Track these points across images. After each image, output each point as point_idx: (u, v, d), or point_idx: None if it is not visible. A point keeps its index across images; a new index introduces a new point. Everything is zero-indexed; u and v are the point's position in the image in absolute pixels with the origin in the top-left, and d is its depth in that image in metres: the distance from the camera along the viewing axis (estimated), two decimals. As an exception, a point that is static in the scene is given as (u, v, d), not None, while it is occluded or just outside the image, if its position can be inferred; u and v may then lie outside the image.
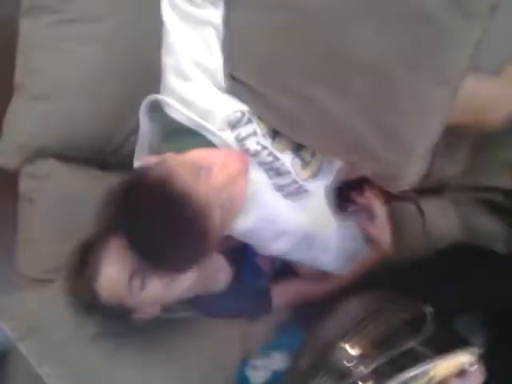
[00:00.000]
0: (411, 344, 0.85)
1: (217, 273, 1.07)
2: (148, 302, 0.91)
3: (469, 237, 1.18)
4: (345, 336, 0.88)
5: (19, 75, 1.11)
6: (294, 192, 0.96)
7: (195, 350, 1.04)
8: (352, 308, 0.95)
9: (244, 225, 0.92)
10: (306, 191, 0.97)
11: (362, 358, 0.85)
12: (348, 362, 0.85)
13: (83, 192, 1.07)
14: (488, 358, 0.89)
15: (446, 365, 0.84)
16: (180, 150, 0.88)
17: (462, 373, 0.85)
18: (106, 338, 0.97)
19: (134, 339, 0.99)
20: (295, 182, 0.95)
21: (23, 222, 1.11)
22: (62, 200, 1.08)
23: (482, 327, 1.12)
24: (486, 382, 0.86)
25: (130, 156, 1.01)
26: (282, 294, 1.14)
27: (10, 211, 1.14)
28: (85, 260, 0.90)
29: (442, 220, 1.18)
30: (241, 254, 1.11)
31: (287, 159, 0.94)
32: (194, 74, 0.91)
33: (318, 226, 0.98)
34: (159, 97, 0.93)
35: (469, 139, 1.14)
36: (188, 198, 0.77)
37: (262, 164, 0.93)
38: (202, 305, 1.06)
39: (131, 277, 0.86)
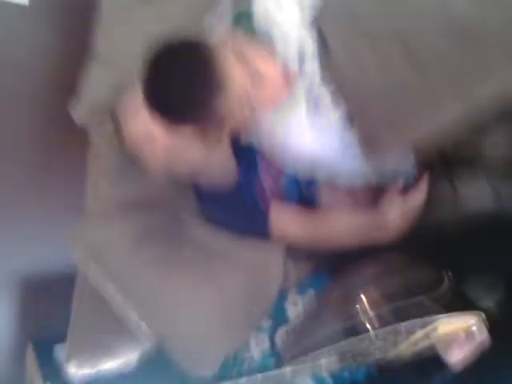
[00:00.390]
0: (421, 298, 0.98)
1: (222, 163, 1.16)
2: (159, 160, 1.07)
3: (502, 213, 1.14)
4: (364, 288, 1.04)
5: (98, 45, 1.27)
6: (318, 125, 1.06)
7: (238, 278, 1.18)
8: (373, 266, 1.09)
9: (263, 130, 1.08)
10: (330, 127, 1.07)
11: (374, 307, 1.01)
12: (363, 310, 1.01)
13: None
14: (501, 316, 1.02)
15: (450, 322, 0.96)
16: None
17: (468, 334, 0.96)
18: (158, 264, 1.17)
19: (182, 266, 1.17)
20: (327, 116, 1.05)
21: (92, 168, 1.33)
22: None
23: (498, 288, 1.13)
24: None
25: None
26: (281, 219, 1.17)
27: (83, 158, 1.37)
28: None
29: (476, 197, 1.15)
30: (248, 161, 1.19)
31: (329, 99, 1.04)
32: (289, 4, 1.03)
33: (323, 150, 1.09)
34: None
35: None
36: (222, 73, 0.90)
37: (308, 90, 1.04)
38: (203, 202, 1.21)
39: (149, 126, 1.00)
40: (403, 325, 0.96)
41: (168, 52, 0.91)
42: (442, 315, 0.96)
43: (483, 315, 0.99)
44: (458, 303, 1.01)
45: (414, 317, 0.95)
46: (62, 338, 1.48)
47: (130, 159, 1.17)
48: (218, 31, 1.06)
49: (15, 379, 1.76)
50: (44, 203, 1.81)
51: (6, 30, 1.64)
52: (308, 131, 1.06)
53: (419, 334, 0.98)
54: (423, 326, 0.97)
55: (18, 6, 1.62)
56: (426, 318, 0.95)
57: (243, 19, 1.08)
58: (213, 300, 1.15)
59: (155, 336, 1.19)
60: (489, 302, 1.08)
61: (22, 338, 1.96)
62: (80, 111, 1.26)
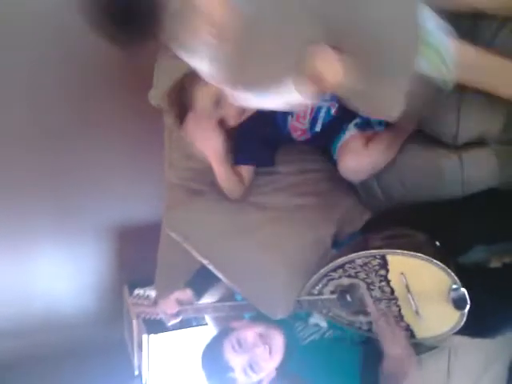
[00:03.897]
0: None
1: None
2: None
3: (505, 184, 1.23)
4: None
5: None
6: None
7: (297, 236, 1.31)
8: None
9: None
10: None
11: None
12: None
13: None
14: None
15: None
16: None
17: None
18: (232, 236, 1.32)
19: (250, 229, 1.31)
20: None
21: (167, 143, 1.57)
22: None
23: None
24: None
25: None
26: None
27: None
28: None
29: (481, 170, 1.23)
30: None
31: None
32: None
33: None
34: None
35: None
36: None
37: None
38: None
39: None
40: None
41: None
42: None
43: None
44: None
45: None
46: (152, 281, 1.69)
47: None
48: None
49: (115, 314, 2.05)
50: (136, 165, 2.10)
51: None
52: None
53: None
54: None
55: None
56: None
57: None
58: (277, 258, 1.29)
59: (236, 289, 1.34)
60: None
61: (119, 279, 2.27)
62: (156, 96, 1.48)
